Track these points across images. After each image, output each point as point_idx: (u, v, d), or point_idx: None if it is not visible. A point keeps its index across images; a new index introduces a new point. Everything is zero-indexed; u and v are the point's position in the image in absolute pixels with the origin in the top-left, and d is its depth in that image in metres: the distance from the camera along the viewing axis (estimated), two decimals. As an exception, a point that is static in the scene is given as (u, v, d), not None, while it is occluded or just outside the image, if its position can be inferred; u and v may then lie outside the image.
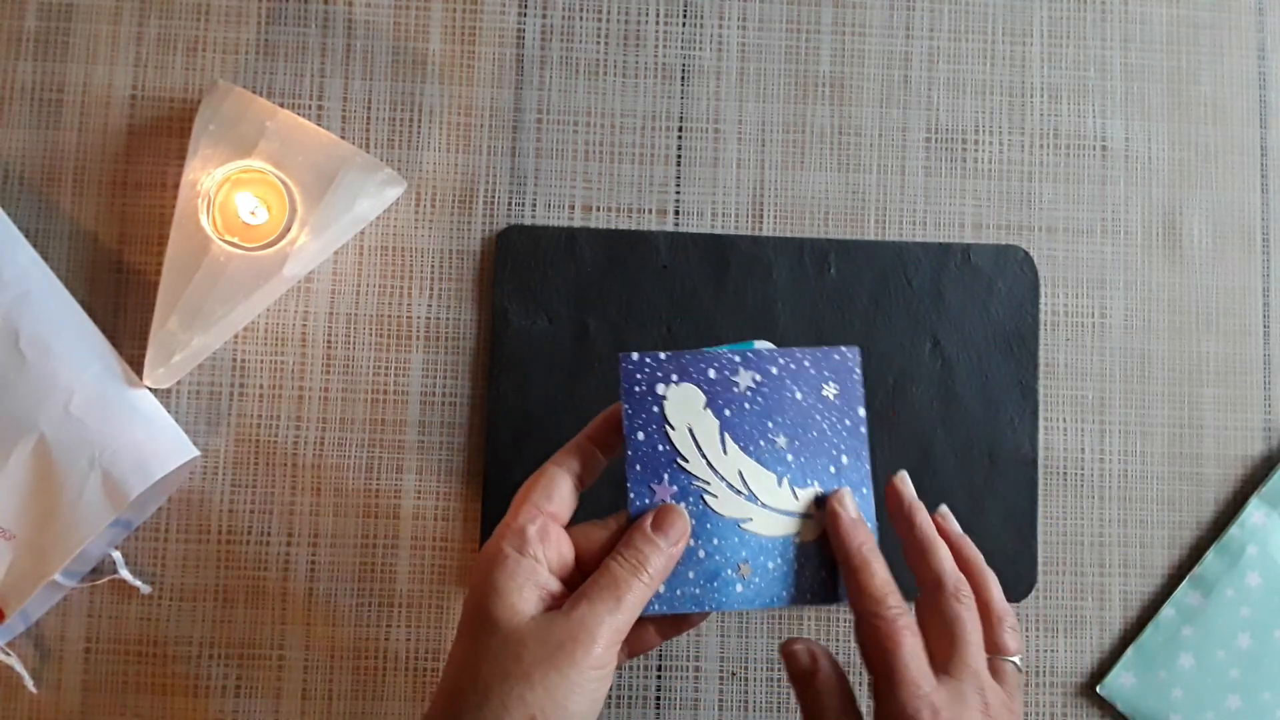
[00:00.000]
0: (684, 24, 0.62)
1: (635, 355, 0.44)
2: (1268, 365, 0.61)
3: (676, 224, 0.61)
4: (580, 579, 0.42)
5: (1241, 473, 0.61)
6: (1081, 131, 0.62)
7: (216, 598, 0.58)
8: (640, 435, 0.43)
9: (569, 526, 0.44)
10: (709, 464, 0.43)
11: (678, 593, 0.43)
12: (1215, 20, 0.63)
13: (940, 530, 0.45)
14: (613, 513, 0.44)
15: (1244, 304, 0.62)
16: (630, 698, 0.58)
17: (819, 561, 0.44)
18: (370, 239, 0.60)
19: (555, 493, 0.43)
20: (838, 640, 0.59)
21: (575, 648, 0.39)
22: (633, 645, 0.45)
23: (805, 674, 0.43)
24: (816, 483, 0.44)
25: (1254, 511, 0.59)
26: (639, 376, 0.43)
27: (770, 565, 0.43)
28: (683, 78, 0.62)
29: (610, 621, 0.40)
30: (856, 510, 0.43)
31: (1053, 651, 0.59)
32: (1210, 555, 0.59)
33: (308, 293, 0.59)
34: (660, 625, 0.46)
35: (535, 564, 0.41)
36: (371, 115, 0.60)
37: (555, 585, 0.42)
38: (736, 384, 0.44)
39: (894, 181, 0.61)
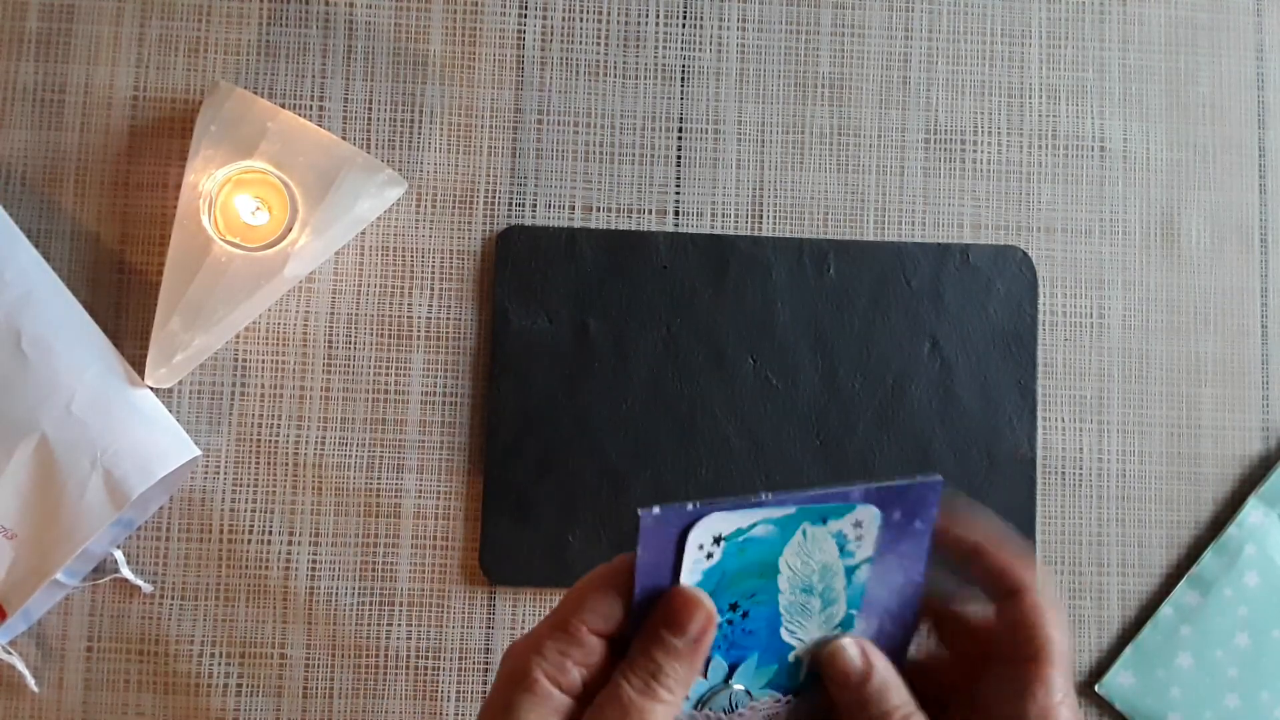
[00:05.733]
0: (684, 25, 0.62)
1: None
2: (1266, 365, 0.61)
3: (676, 224, 0.61)
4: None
5: (1239, 472, 0.61)
6: (1080, 132, 0.62)
7: (218, 596, 0.58)
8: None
9: None
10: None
11: None
12: (1213, 21, 0.63)
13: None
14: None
15: (1242, 304, 0.62)
16: (630, 696, 0.58)
17: None
18: (371, 239, 0.60)
19: (617, 612, 0.35)
20: (837, 639, 0.59)
21: None
22: None
23: (856, 678, 0.36)
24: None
25: (1252, 511, 0.59)
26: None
27: None
28: (682, 79, 0.62)
29: None
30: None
31: (1051, 650, 0.59)
32: (1208, 555, 0.59)
33: (309, 293, 0.60)
34: None
35: (565, 699, 0.34)
36: (372, 116, 0.61)
37: (573, 710, 0.35)
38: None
39: (893, 182, 0.62)
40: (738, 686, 0.38)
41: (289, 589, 0.58)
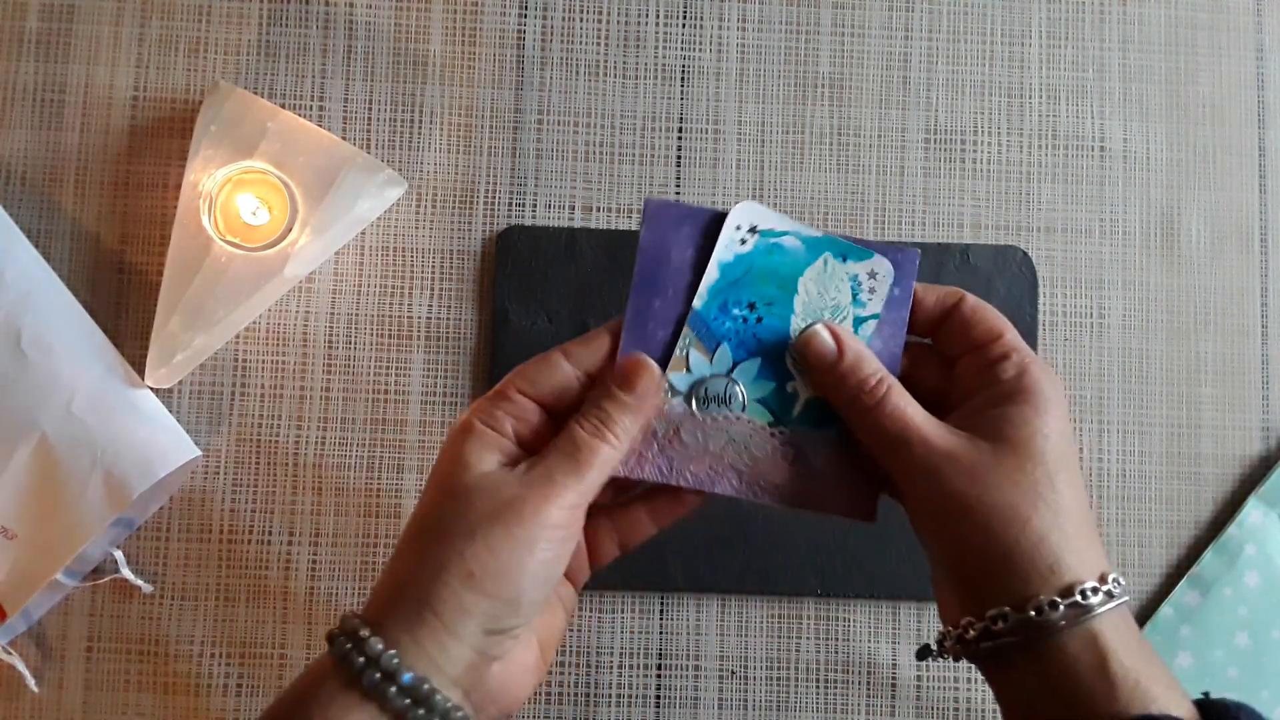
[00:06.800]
0: (684, 25, 0.62)
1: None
2: (1265, 365, 0.61)
3: (676, 224, 0.61)
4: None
5: (1239, 472, 0.61)
6: (1080, 132, 0.62)
7: (218, 597, 0.58)
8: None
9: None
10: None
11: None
12: (1213, 21, 0.63)
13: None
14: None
15: (1242, 304, 0.62)
16: (630, 697, 0.58)
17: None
18: (371, 239, 0.60)
19: (547, 380, 0.39)
20: (838, 639, 0.59)
21: (524, 506, 0.36)
22: (624, 535, 0.43)
23: (831, 357, 0.40)
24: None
25: (1252, 511, 0.59)
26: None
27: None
28: (682, 79, 0.62)
29: (566, 484, 0.37)
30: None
31: (1051, 650, 0.59)
32: (1208, 555, 0.59)
33: (309, 293, 0.60)
34: (653, 509, 0.43)
35: (502, 439, 0.39)
36: (372, 116, 0.61)
37: (520, 456, 0.39)
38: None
39: (893, 182, 0.62)
40: (737, 381, 0.41)
41: (289, 589, 0.58)
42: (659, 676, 0.58)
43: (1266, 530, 0.59)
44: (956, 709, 0.59)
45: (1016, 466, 0.38)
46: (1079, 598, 0.36)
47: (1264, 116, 0.63)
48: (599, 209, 0.61)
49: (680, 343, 0.41)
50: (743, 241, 0.41)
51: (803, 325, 0.41)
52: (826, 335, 0.41)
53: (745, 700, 0.58)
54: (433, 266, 0.60)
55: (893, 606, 0.59)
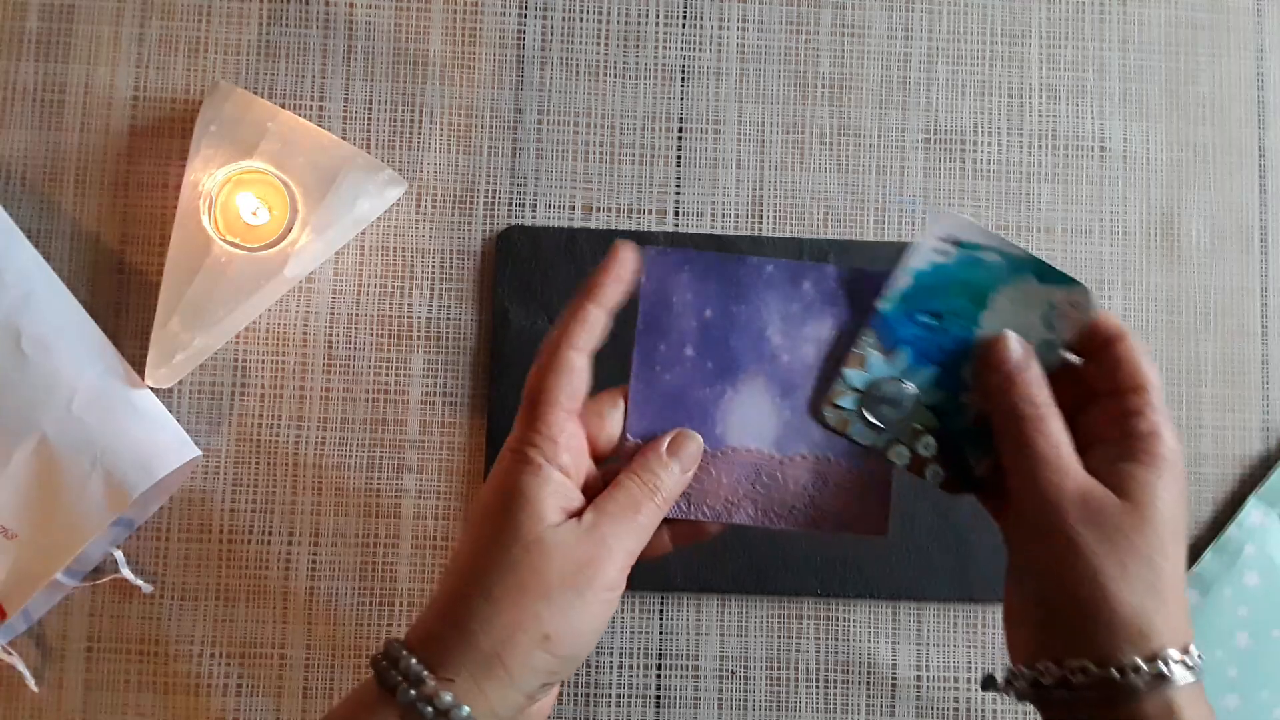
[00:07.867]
0: (684, 25, 0.62)
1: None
2: (1265, 365, 0.61)
3: (676, 224, 0.61)
4: (596, 482, 0.42)
5: (1239, 472, 0.61)
6: (1080, 132, 0.62)
7: (218, 597, 0.58)
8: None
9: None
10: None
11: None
12: (1213, 21, 0.63)
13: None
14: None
15: (1242, 304, 0.62)
16: (630, 697, 0.58)
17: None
18: (371, 239, 0.60)
19: (575, 383, 0.41)
20: (838, 639, 0.59)
21: (595, 569, 0.38)
22: (643, 551, 0.44)
23: (1016, 363, 0.40)
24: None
25: (1252, 511, 0.59)
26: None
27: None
28: (682, 79, 0.62)
29: (628, 544, 0.40)
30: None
31: (1051, 650, 0.59)
32: (1208, 555, 0.59)
33: (309, 293, 0.60)
34: (675, 530, 0.44)
35: (565, 480, 0.40)
36: (372, 116, 0.61)
37: (579, 500, 0.40)
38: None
39: (893, 182, 0.62)
40: (909, 385, 0.42)
41: (289, 589, 0.58)
42: (659, 676, 0.58)
43: (1266, 530, 0.59)
44: (956, 709, 0.59)
45: (1134, 526, 0.38)
46: (1162, 665, 0.37)
47: (1264, 116, 0.63)
48: (599, 209, 0.61)
49: (860, 341, 0.42)
50: (944, 253, 0.42)
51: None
52: (1017, 343, 0.41)
53: (745, 700, 0.58)
54: (433, 266, 0.60)
55: (893, 606, 0.59)
